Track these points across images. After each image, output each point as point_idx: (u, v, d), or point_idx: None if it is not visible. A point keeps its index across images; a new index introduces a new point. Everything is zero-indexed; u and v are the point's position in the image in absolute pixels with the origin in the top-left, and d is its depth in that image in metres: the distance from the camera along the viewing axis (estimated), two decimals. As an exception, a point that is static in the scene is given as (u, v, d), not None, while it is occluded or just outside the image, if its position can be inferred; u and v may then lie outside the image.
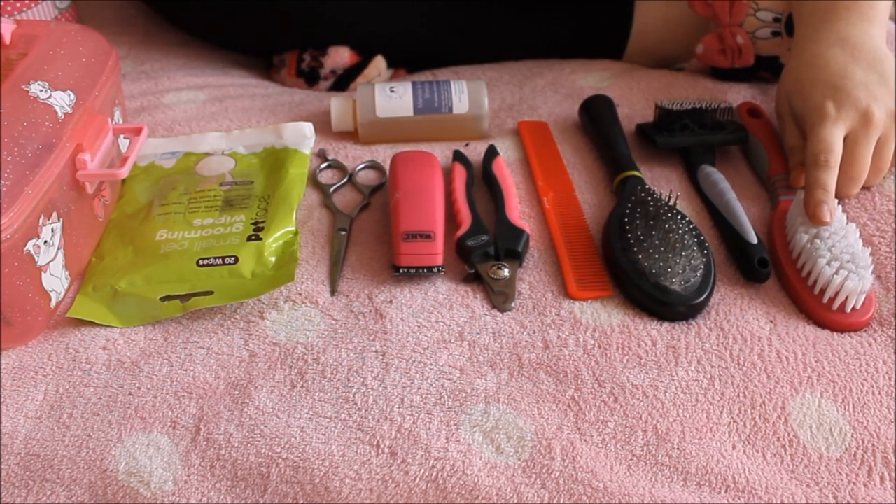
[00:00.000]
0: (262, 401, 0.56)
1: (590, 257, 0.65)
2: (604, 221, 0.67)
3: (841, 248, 0.62)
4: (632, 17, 0.90)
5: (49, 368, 0.58)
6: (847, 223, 0.64)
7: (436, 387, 0.56)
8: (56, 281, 0.60)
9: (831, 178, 0.65)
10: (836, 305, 0.61)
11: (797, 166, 0.69)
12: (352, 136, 0.80)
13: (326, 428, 0.54)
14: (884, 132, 0.67)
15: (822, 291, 0.61)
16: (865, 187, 0.70)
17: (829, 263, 0.61)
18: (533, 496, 0.51)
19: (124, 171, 0.63)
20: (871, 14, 0.71)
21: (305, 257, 0.66)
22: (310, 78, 0.90)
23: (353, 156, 0.77)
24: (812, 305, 0.61)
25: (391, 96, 0.78)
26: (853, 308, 0.61)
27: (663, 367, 0.57)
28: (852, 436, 0.54)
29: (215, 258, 0.63)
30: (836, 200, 0.65)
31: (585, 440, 0.53)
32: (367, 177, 0.76)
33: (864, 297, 0.61)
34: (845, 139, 0.66)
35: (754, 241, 0.65)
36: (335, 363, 0.58)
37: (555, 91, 0.85)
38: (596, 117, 0.78)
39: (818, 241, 0.62)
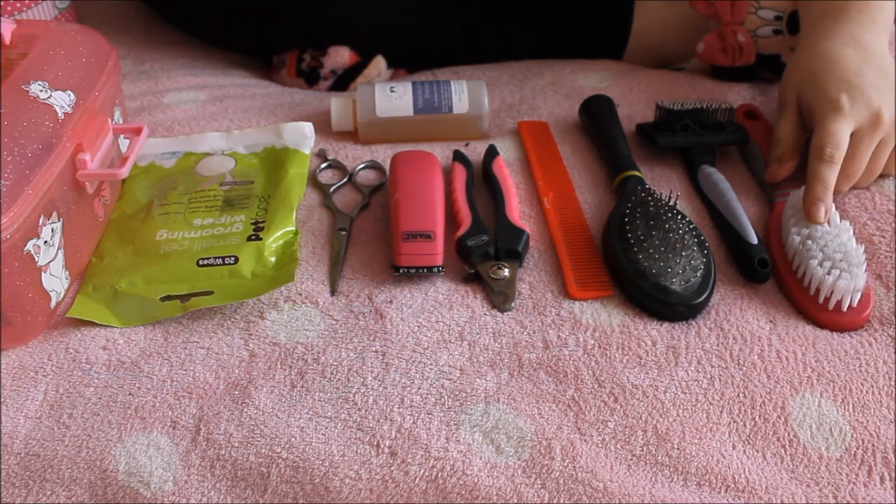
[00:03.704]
0: (262, 401, 0.56)
1: (590, 257, 0.65)
2: (604, 221, 0.67)
3: (833, 248, 0.62)
4: (632, 17, 0.90)
5: (49, 368, 0.58)
6: (840, 221, 0.64)
7: (436, 387, 0.56)
8: (56, 281, 0.60)
9: (833, 175, 0.65)
10: (831, 305, 0.61)
11: (776, 161, 0.70)
12: (352, 136, 0.80)
13: (326, 428, 0.54)
14: (885, 136, 0.67)
15: (818, 291, 0.61)
16: (857, 188, 0.70)
17: (821, 263, 0.61)
18: (533, 496, 0.51)
19: (124, 171, 0.63)
20: (880, 19, 0.72)
21: (305, 257, 0.66)
22: (310, 78, 0.90)
23: (353, 156, 0.77)
24: (808, 306, 0.61)
25: (391, 96, 0.78)
26: (849, 307, 0.61)
27: (663, 367, 0.57)
28: (852, 436, 0.54)
29: (215, 258, 0.63)
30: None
31: (585, 440, 0.53)
32: (367, 177, 0.76)
33: (858, 295, 0.61)
34: (851, 136, 0.67)
35: (754, 241, 0.65)
36: (335, 363, 0.58)
37: (555, 91, 0.85)
38: (596, 117, 0.78)
39: (810, 241, 0.62)
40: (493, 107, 0.84)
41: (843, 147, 0.66)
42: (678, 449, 0.53)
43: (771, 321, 0.61)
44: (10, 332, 0.58)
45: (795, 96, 0.72)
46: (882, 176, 0.71)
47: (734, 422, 0.55)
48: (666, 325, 0.60)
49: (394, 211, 0.67)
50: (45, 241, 0.58)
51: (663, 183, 0.73)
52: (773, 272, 0.64)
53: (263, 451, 0.53)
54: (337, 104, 0.79)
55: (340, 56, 0.89)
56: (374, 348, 0.59)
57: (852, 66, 0.69)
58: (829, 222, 0.64)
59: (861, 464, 0.53)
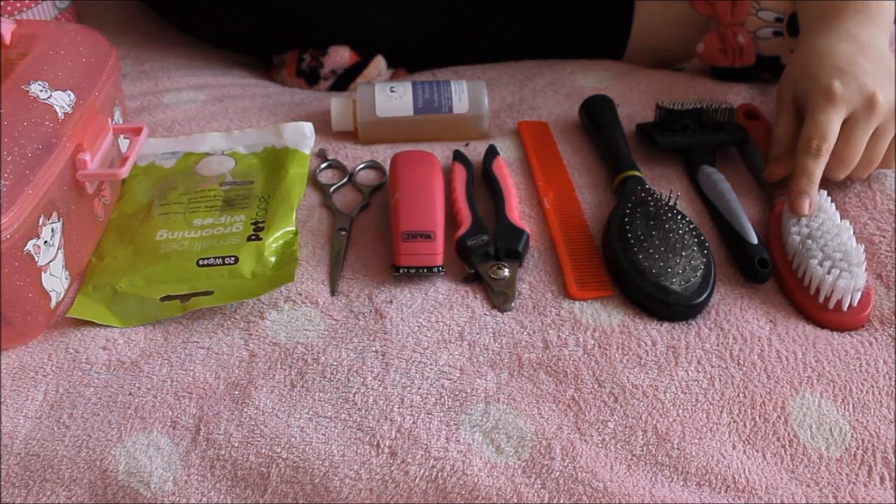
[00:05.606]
0: (262, 401, 0.56)
1: (590, 257, 0.65)
2: (604, 221, 0.67)
3: (833, 247, 0.62)
4: (632, 17, 0.90)
5: (49, 368, 0.58)
6: (840, 220, 0.64)
7: (436, 387, 0.56)
8: (56, 281, 0.60)
9: (818, 168, 0.65)
10: (831, 304, 0.61)
11: (774, 160, 0.70)
12: (352, 136, 0.80)
13: (326, 428, 0.54)
14: (882, 123, 0.67)
15: (818, 291, 0.61)
16: (853, 178, 0.70)
17: (821, 263, 0.61)
18: (533, 496, 0.51)
19: (124, 171, 0.63)
20: (878, 19, 0.72)
21: (305, 257, 0.66)
22: (310, 78, 0.90)
23: (353, 156, 0.77)
24: (809, 305, 0.61)
25: (391, 96, 0.78)
26: (849, 306, 0.61)
27: (663, 367, 0.57)
28: (852, 436, 0.54)
29: (215, 258, 0.63)
30: (826, 192, 0.66)
31: (585, 440, 0.53)
32: (367, 177, 0.76)
33: (859, 294, 0.61)
34: (845, 121, 0.66)
35: (755, 241, 0.65)
36: (335, 363, 0.58)
37: (555, 91, 0.85)
38: (596, 117, 0.78)
39: (810, 241, 0.62)
40: (493, 107, 0.84)
41: (829, 138, 0.65)
42: (678, 449, 0.53)
43: (771, 321, 0.61)
44: (10, 332, 0.58)
45: (791, 93, 0.72)
46: (882, 168, 0.71)
47: (734, 422, 0.55)
48: (666, 325, 0.60)
49: (394, 211, 0.67)
50: (45, 241, 0.58)
51: (663, 183, 0.73)
52: (773, 272, 0.64)
53: (263, 451, 0.53)
54: (337, 104, 0.79)
55: (340, 56, 0.89)
56: (374, 348, 0.59)
57: (846, 57, 0.68)
58: (829, 221, 0.64)
59: (861, 464, 0.53)
